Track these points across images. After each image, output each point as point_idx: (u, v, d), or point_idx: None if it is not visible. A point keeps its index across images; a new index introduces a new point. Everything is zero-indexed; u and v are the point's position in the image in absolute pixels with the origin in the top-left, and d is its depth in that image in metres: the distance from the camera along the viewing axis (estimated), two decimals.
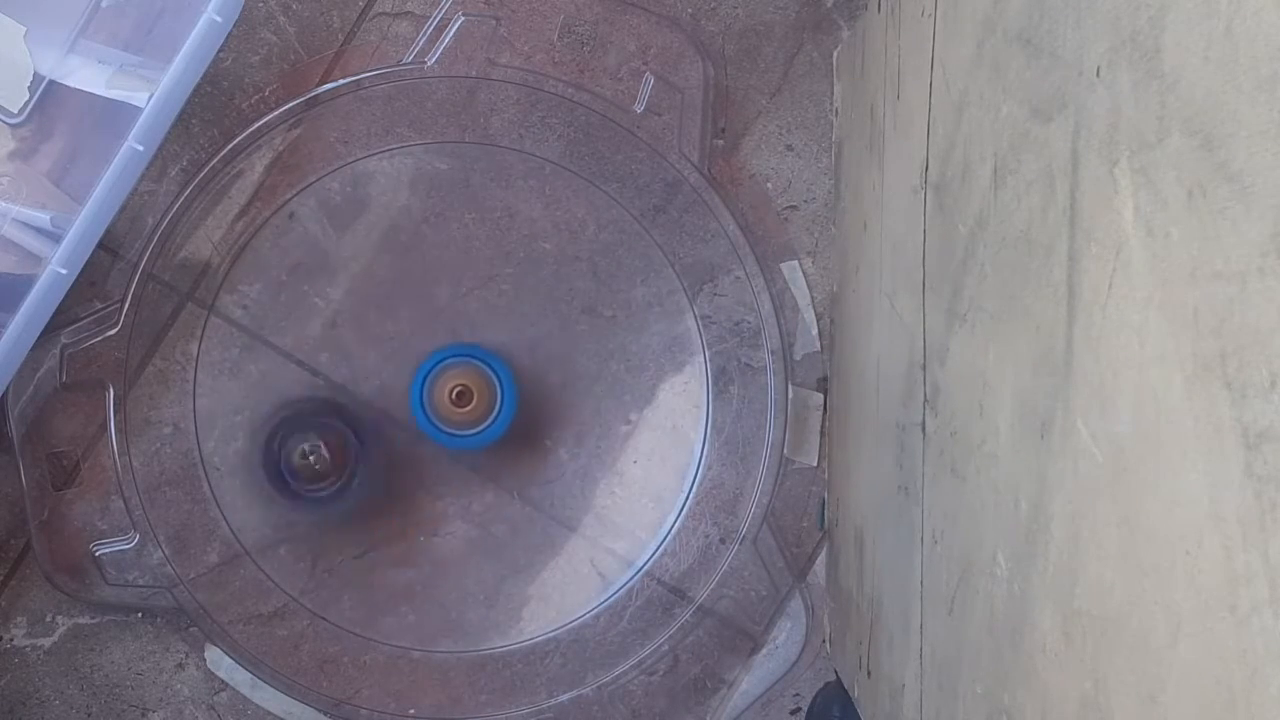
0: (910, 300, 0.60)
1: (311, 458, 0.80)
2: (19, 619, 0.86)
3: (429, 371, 0.81)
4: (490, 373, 0.81)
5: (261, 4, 0.84)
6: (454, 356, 0.81)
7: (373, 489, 0.83)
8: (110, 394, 0.83)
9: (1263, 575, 0.27)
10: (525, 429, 0.85)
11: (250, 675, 0.85)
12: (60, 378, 0.83)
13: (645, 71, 0.83)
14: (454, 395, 0.80)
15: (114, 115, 0.75)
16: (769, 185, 0.86)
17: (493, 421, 0.81)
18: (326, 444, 0.80)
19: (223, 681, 0.86)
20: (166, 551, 0.84)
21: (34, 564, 0.84)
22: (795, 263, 0.86)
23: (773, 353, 0.85)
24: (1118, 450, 0.35)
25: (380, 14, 0.84)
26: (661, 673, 0.86)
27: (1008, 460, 0.45)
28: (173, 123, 0.75)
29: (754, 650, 0.86)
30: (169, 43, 0.74)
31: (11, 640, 0.86)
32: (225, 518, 0.84)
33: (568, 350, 0.85)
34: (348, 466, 0.81)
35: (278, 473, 0.81)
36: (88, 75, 0.76)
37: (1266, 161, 0.27)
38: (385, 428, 0.84)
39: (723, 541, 0.85)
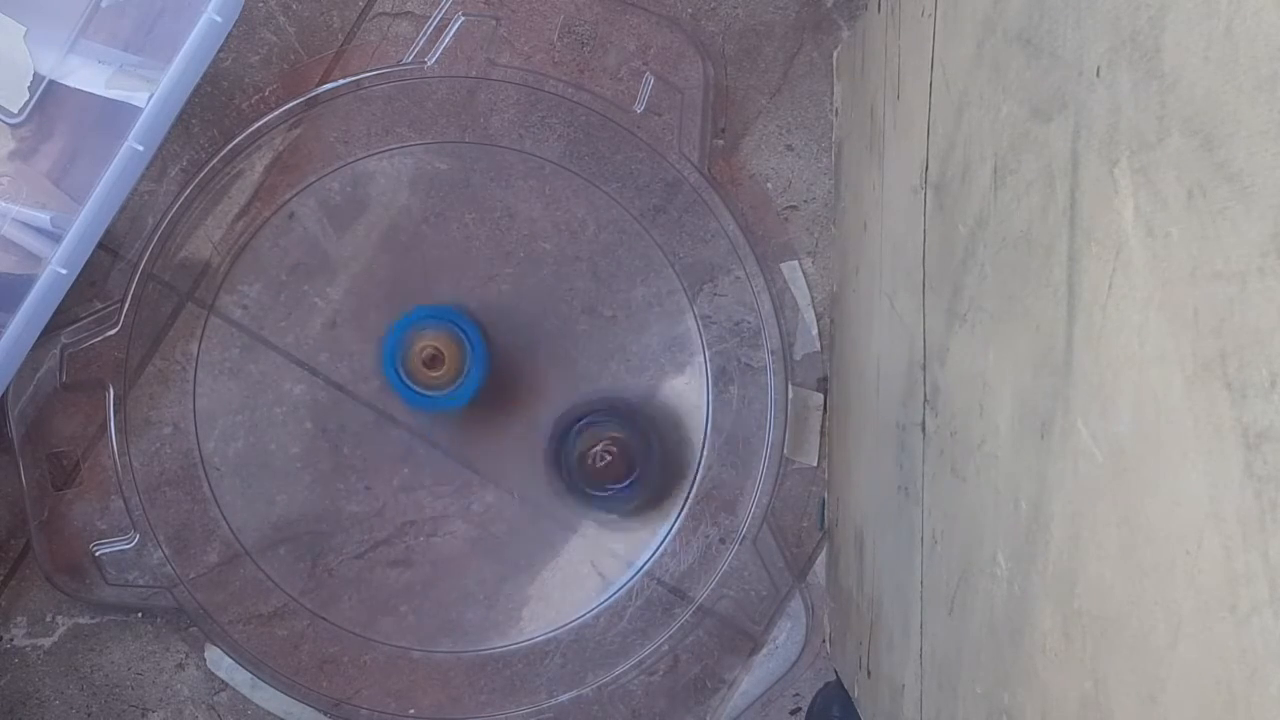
0: (910, 300, 0.60)
1: (604, 459, 0.81)
2: (19, 619, 0.86)
3: (399, 334, 0.81)
4: (460, 334, 0.81)
5: (261, 4, 0.84)
6: (424, 319, 0.81)
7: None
8: (110, 394, 0.83)
9: (1263, 575, 0.27)
10: (526, 428, 0.85)
11: (250, 675, 0.85)
12: (60, 378, 0.83)
13: (645, 71, 0.83)
14: (425, 358, 0.80)
15: (114, 115, 0.75)
16: (769, 185, 0.86)
17: (462, 383, 0.81)
18: (619, 447, 0.81)
19: (223, 681, 0.86)
20: (166, 551, 0.84)
21: (34, 564, 0.84)
22: (795, 263, 0.86)
23: (773, 353, 0.85)
24: (1118, 450, 0.35)
25: (380, 14, 0.84)
26: (661, 673, 0.86)
27: (1008, 460, 0.45)
28: (173, 123, 0.75)
29: (754, 650, 0.86)
30: (169, 43, 0.74)
31: (11, 640, 0.86)
32: (225, 518, 0.84)
33: (568, 350, 0.85)
34: (633, 470, 0.82)
35: (565, 470, 0.83)
36: (88, 75, 0.76)
37: (1266, 161, 0.27)
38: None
39: (723, 541, 0.85)
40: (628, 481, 0.82)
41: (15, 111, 0.77)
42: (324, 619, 0.84)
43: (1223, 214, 0.29)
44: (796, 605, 0.86)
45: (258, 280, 0.84)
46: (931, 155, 0.56)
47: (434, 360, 0.80)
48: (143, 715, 0.86)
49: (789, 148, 0.86)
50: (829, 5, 0.86)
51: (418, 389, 0.81)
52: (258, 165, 0.83)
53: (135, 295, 0.83)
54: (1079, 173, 0.38)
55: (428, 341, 0.80)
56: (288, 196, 0.83)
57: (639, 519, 0.85)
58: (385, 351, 0.80)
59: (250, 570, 0.84)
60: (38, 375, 0.82)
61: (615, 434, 0.81)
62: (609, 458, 0.81)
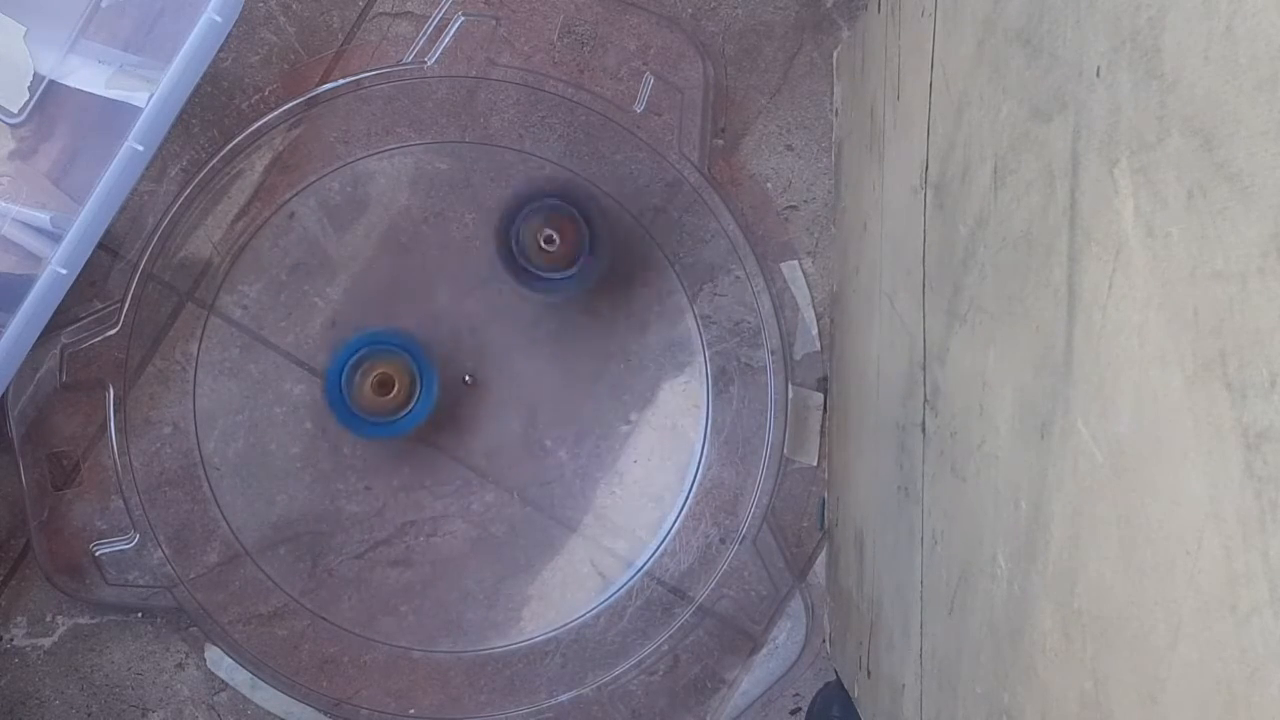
0: (910, 300, 0.60)
1: (549, 243, 0.80)
2: (19, 619, 0.86)
3: (346, 361, 0.81)
4: (410, 361, 0.81)
5: (261, 4, 0.84)
6: (371, 345, 0.82)
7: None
8: (110, 394, 0.83)
9: (1263, 575, 0.27)
10: (525, 428, 0.85)
11: (250, 675, 0.85)
12: (60, 378, 0.83)
13: (645, 71, 0.83)
14: (374, 384, 0.81)
15: (114, 115, 0.75)
16: (769, 185, 0.86)
17: (410, 410, 0.81)
18: (562, 230, 0.80)
19: (223, 681, 0.86)
20: (166, 551, 0.84)
21: (34, 564, 0.84)
22: (795, 263, 0.86)
23: (773, 353, 0.85)
24: (1118, 450, 0.35)
25: (380, 14, 0.84)
26: (661, 673, 0.86)
27: (1008, 460, 0.45)
28: (173, 123, 0.75)
29: (754, 650, 0.86)
30: (169, 43, 0.74)
31: (11, 640, 0.86)
32: (225, 518, 0.84)
33: (568, 350, 0.85)
34: (581, 253, 0.81)
35: (511, 255, 0.82)
36: (88, 75, 0.76)
37: (1266, 161, 0.27)
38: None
39: (723, 541, 0.85)
40: (574, 268, 0.81)
41: (15, 111, 0.77)
42: (324, 619, 0.84)
43: (1223, 214, 0.29)
44: (796, 605, 0.86)
45: (258, 280, 0.84)
46: (931, 155, 0.56)
47: (383, 386, 0.81)
48: (143, 715, 0.86)
49: (789, 148, 0.86)
50: (829, 5, 0.86)
51: (365, 416, 0.81)
52: (258, 165, 0.83)
53: (135, 295, 0.83)
54: (1079, 173, 0.38)
55: (379, 367, 0.81)
56: (288, 196, 0.83)
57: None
58: (329, 381, 0.81)
59: (250, 570, 0.84)
60: (38, 375, 0.82)
61: (563, 217, 0.81)
62: (555, 242, 0.80)
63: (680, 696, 0.86)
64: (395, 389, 0.80)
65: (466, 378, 0.84)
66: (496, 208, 0.82)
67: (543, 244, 0.80)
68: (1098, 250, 0.37)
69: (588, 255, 0.81)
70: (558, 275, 0.82)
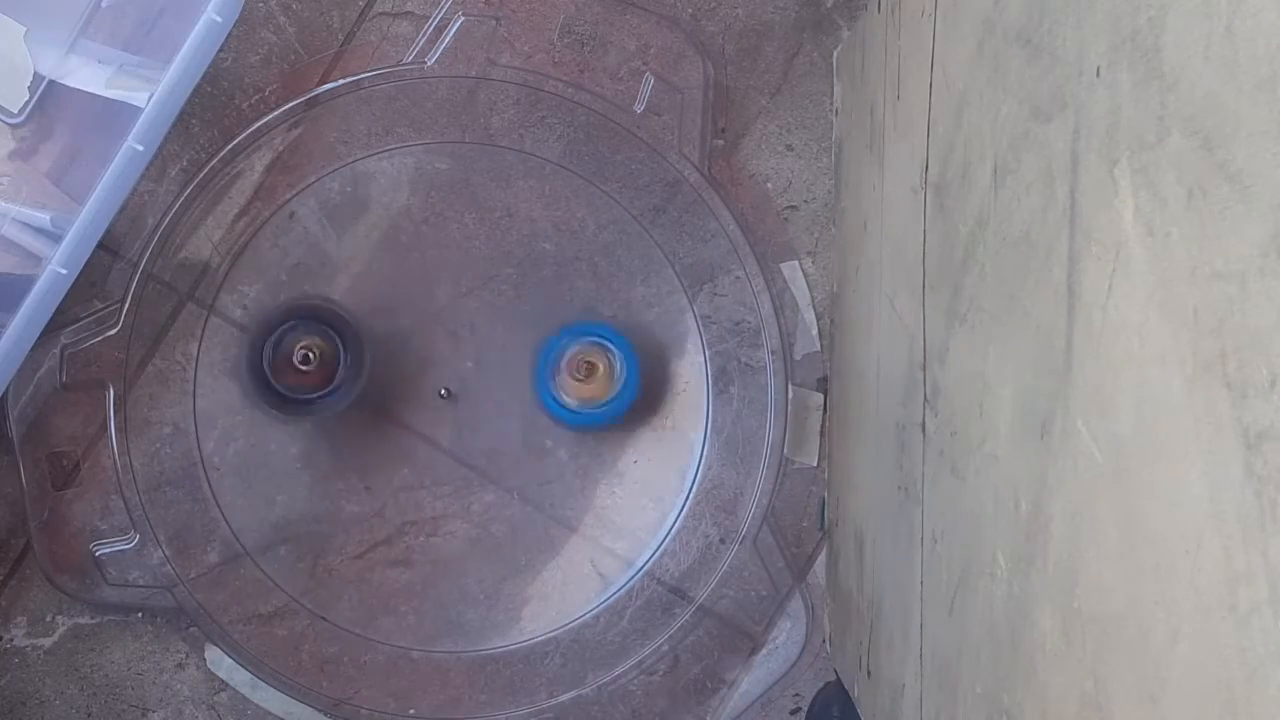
0: (910, 300, 0.60)
1: (304, 360, 0.80)
2: (19, 619, 0.86)
3: (554, 349, 0.82)
4: (613, 350, 0.82)
5: (261, 4, 0.84)
6: (578, 335, 0.82)
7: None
8: (110, 394, 0.83)
9: (1263, 575, 0.27)
10: (525, 428, 0.85)
11: (250, 675, 0.85)
12: (60, 378, 0.83)
13: (645, 71, 0.83)
14: (579, 370, 0.81)
15: (114, 115, 0.75)
16: (769, 185, 0.86)
17: (613, 398, 0.82)
18: (318, 350, 0.80)
19: (223, 681, 0.86)
20: (166, 551, 0.84)
21: (34, 564, 0.84)
22: (795, 263, 0.86)
23: (773, 353, 0.85)
24: (1118, 450, 0.35)
25: (380, 14, 0.84)
26: (661, 673, 0.86)
27: (1008, 460, 0.45)
28: (173, 123, 0.75)
29: (754, 650, 0.86)
30: (169, 43, 0.74)
31: (11, 640, 0.86)
32: (225, 518, 0.84)
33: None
34: (337, 374, 0.81)
35: (263, 375, 0.81)
36: (87, 75, 0.76)
37: (1266, 161, 0.27)
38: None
39: (723, 541, 0.85)
40: (330, 389, 0.81)
41: (15, 111, 0.77)
42: (324, 619, 0.84)
43: (1223, 214, 0.29)
44: (796, 605, 0.86)
45: (258, 280, 0.84)
46: (931, 155, 0.56)
47: (587, 371, 0.81)
48: (143, 715, 0.86)
49: (789, 148, 0.86)
50: (829, 5, 0.86)
51: (570, 404, 0.82)
52: (258, 165, 0.83)
53: (135, 295, 0.83)
54: (1079, 173, 0.38)
55: (582, 357, 0.81)
56: (288, 196, 0.83)
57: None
58: (539, 368, 0.82)
59: (250, 570, 0.84)
60: (38, 375, 0.82)
61: (315, 340, 0.80)
62: (309, 364, 0.80)
63: (680, 696, 0.86)
64: (598, 371, 0.81)
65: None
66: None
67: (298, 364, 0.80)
68: (1098, 250, 0.37)
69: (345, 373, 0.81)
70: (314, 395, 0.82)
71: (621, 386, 0.81)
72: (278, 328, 0.81)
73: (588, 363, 0.81)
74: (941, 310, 0.54)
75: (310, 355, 0.80)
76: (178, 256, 0.83)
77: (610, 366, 0.82)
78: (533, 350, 0.84)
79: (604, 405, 0.82)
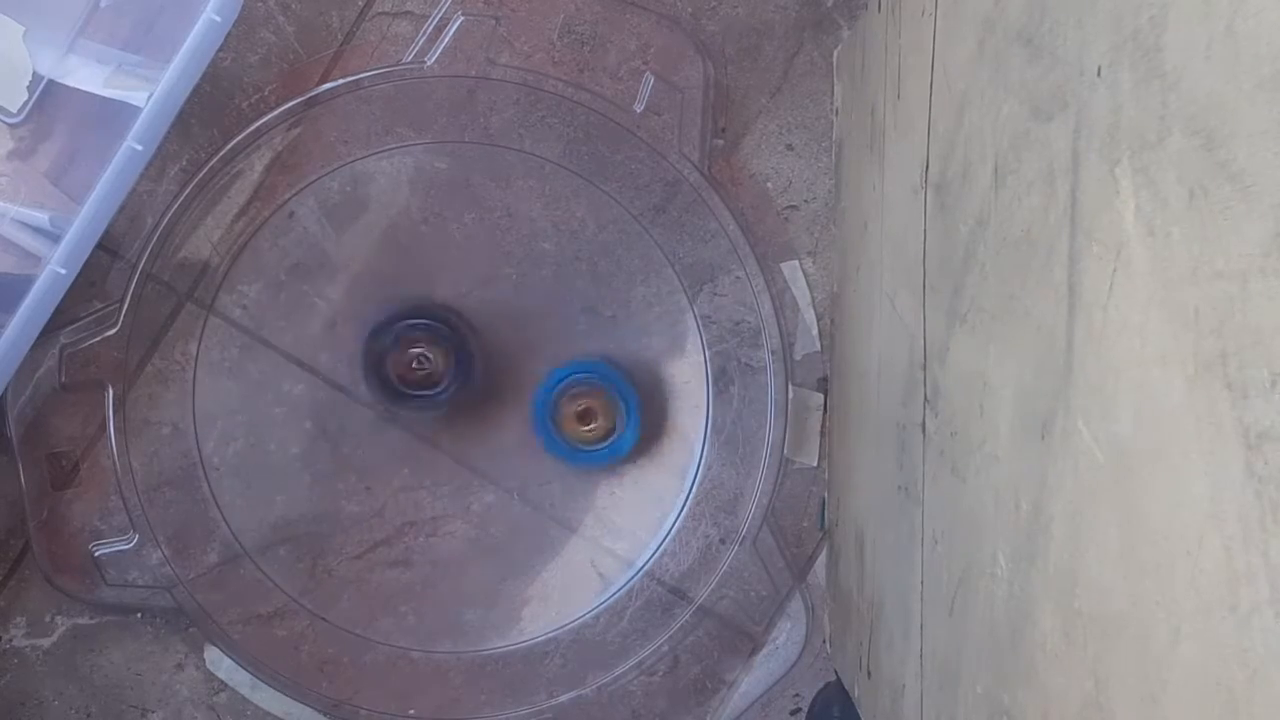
0: (910, 300, 0.60)
1: (421, 364, 0.82)
2: (19, 619, 0.86)
3: (552, 390, 0.83)
4: (614, 393, 0.83)
5: (261, 4, 0.83)
6: (576, 374, 0.83)
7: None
8: (110, 394, 0.83)
9: (1263, 575, 0.27)
10: (525, 428, 0.85)
11: (250, 675, 0.85)
12: (60, 378, 0.82)
13: (645, 71, 0.83)
14: (578, 414, 0.83)
15: (113, 115, 0.75)
16: (769, 185, 0.86)
17: (615, 440, 0.83)
18: (435, 353, 0.82)
19: (222, 682, 0.86)
20: (166, 552, 0.83)
21: (34, 564, 0.84)
22: (795, 263, 0.86)
23: (773, 353, 0.85)
24: (1118, 450, 0.35)
25: (380, 14, 0.84)
26: (661, 673, 0.85)
27: (1008, 460, 0.45)
28: (172, 123, 0.75)
29: (754, 650, 0.86)
30: (168, 42, 0.74)
31: (11, 640, 0.86)
32: (225, 518, 0.84)
33: (568, 351, 0.85)
34: (450, 375, 0.83)
35: (381, 374, 0.83)
36: (87, 75, 0.76)
37: (1267, 161, 0.27)
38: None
39: (723, 542, 0.85)
40: (441, 388, 0.82)
41: (14, 111, 0.77)
42: (324, 619, 0.84)
43: (1224, 214, 0.29)
44: (796, 605, 0.86)
45: (257, 280, 0.84)
46: (932, 155, 0.56)
47: (585, 415, 0.82)
48: (142, 715, 0.86)
49: (789, 148, 0.86)
50: (829, 5, 0.85)
51: (571, 444, 0.83)
52: (257, 165, 0.83)
53: (135, 295, 0.83)
54: (1080, 172, 0.38)
55: (580, 398, 0.82)
56: (287, 196, 0.83)
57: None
58: (536, 407, 0.83)
59: (250, 570, 0.84)
60: (37, 375, 0.82)
61: (432, 341, 0.82)
62: (425, 364, 0.81)
63: (680, 697, 0.86)
64: (598, 421, 0.83)
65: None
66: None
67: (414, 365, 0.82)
68: (1098, 250, 0.37)
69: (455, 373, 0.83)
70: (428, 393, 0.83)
71: (623, 433, 0.82)
72: (396, 323, 0.83)
73: (587, 409, 0.82)
74: (942, 310, 0.54)
75: (424, 359, 0.82)
76: (177, 256, 0.83)
77: (610, 408, 0.82)
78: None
79: (605, 446, 0.83)
